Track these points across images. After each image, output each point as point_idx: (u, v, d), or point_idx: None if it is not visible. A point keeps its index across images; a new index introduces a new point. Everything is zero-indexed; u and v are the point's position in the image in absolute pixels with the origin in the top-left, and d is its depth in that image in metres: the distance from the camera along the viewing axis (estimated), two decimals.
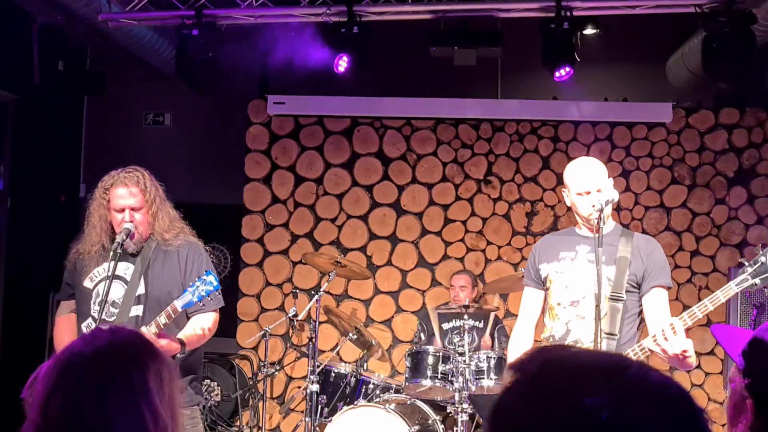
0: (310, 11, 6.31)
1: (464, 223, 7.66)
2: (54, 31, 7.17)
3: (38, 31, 7.11)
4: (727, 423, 1.78)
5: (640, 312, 3.77)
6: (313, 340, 5.96)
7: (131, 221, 3.82)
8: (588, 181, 3.71)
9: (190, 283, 3.69)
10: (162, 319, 3.65)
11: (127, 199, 3.83)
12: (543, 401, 1.03)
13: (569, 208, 7.33)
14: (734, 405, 1.73)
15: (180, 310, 3.66)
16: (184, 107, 8.14)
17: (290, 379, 7.64)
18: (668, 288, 3.77)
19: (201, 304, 3.76)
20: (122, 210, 3.83)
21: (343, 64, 6.33)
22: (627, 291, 3.70)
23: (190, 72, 6.55)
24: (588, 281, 3.66)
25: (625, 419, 0.99)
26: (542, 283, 3.94)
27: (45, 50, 7.23)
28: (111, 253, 3.70)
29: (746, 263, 3.52)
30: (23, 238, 7.20)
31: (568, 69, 6.11)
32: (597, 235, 3.51)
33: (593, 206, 3.59)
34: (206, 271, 3.72)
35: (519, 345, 3.98)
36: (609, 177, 3.78)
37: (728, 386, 1.82)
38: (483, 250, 7.64)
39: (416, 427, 5.32)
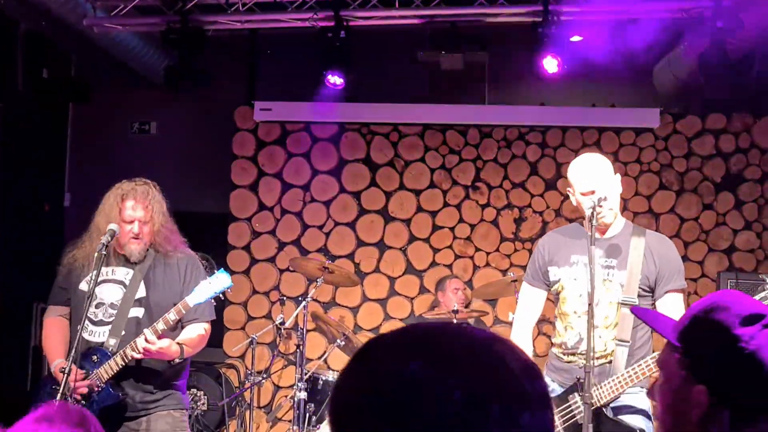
0: (297, 16, 6.29)
1: (452, 229, 7.63)
2: (38, 37, 7.11)
3: (22, 38, 7.05)
4: (661, 412, 1.71)
5: None
6: (301, 347, 5.90)
7: (139, 233, 3.93)
8: (591, 181, 3.65)
9: (200, 281, 3.77)
10: (172, 315, 3.76)
11: (137, 212, 3.94)
12: (366, 374, 1.09)
13: (557, 213, 7.38)
14: (674, 392, 1.67)
15: (191, 306, 3.78)
16: (170, 115, 8.09)
17: (277, 387, 7.57)
18: (683, 290, 3.71)
19: (212, 303, 3.87)
20: (132, 221, 3.93)
21: (333, 79, 6.35)
22: (639, 296, 3.64)
23: (176, 78, 6.50)
24: (600, 287, 3.61)
25: (426, 384, 1.02)
26: (549, 285, 3.88)
27: (29, 57, 7.17)
28: (96, 255, 3.70)
29: (766, 279, 3.44)
30: (7, 248, 7.11)
31: (557, 61, 6.03)
32: (589, 233, 3.48)
33: (589, 198, 3.58)
34: (220, 269, 3.82)
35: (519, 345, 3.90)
36: (615, 173, 3.73)
37: (660, 371, 1.76)
38: (471, 257, 7.61)
39: None
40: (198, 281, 3.91)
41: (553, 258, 3.86)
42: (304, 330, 5.99)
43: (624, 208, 7.40)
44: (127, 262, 3.98)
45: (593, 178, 3.66)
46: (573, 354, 3.75)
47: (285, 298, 7.11)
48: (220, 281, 3.75)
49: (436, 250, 7.65)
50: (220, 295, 3.82)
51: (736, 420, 1.59)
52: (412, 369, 1.04)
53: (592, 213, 3.50)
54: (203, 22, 6.39)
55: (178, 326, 3.95)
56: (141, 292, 3.94)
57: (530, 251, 7.39)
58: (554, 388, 3.79)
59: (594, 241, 3.47)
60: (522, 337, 3.94)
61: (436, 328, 1.13)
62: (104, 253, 3.72)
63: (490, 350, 1.09)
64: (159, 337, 3.70)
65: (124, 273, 3.98)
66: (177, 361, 3.83)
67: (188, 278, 3.98)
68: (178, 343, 3.82)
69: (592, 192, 3.63)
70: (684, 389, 1.63)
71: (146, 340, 3.65)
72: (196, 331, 3.98)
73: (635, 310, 2.00)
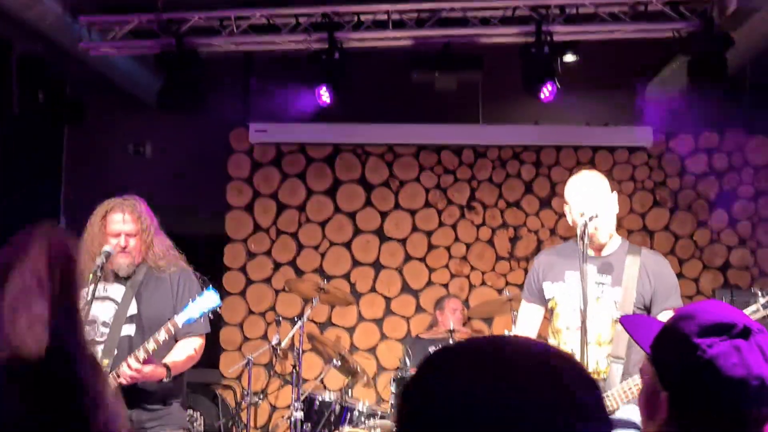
0: (291, 38, 6.32)
1: (448, 249, 7.65)
2: (33, 60, 7.12)
3: (17, 61, 7.07)
4: (642, 419, 1.74)
5: None
6: (297, 368, 5.89)
7: (125, 246, 3.89)
8: (586, 199, 3.66)
9: (191, 299, 3.72)
10: (161, 335, 3.71)
11: (122, 224, 3.90)
12: (424, 386, 1.11)
13: (552, 232, 7.40)
14: (648, 398, 1.70)
15: (180, 326, 3.73)
16: (165, 137, 8.11)
17: (274, 408, 7.55)
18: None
19: (203, 320, 3.82)
20: (118, 234, 3.89)
21: (324, 95, 6.36)
22: (634, 314, 3.63)
23: (172, 101, 6.52)
24: (593, 304, 3.61)
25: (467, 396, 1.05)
26: (545, 301, 3.89)
27: (24, 80, 7.18)
28: (90, 275, 3.69)
29: (759, 293, 3.44)
30: None
31: (551, 87, 6.10)
32: (581, 251, 3.48)
33: (582, 217, 3.57)
34: (208, 287, 3.77)
35: None
36: (612, 191, 3.74)
37: (641, 379, 1.80)
38: (467, 276, 7.61)
39: None
40: (191, 294, 3.89)
41: (547, 274, 3.88)
42: (300, 350, 5.98)
43: (618, 226, 7.40)
44: (119, 278, 3.95)
45: (589, 196, 3.67)
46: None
47: (281, 318, 7.07)
48: (208, 300, 3.72)
49: (431, 270, 7.65)
50: (210, 315, 3.80)
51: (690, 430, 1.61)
52: (467, 381, 1.06)
53: (584, 231, 3.51)
54: (198, 45, 6.42)
55: (172, 339, 3.91)
56: (133, 308, 3.91)
57: (526, 270, 7.40)
58: None
59: (586, 259, 3.48)
60: None
61: (495, 341, 1.17)
62: (99, 275, 3.71)
63: (546, 362, 1.11)
64: (147, 360, 3.68)
65: (116, 290, 3.94)
66: (165, 380, 3.79)
67: (181, 293, 3.95)
68: (164, 364, 3.78)
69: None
70: (655, 397, 1.67)
71: (129, 368, 3.63)
72: (186, 349, 3.94)
73: (623, 320, 2.02)
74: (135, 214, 3.92)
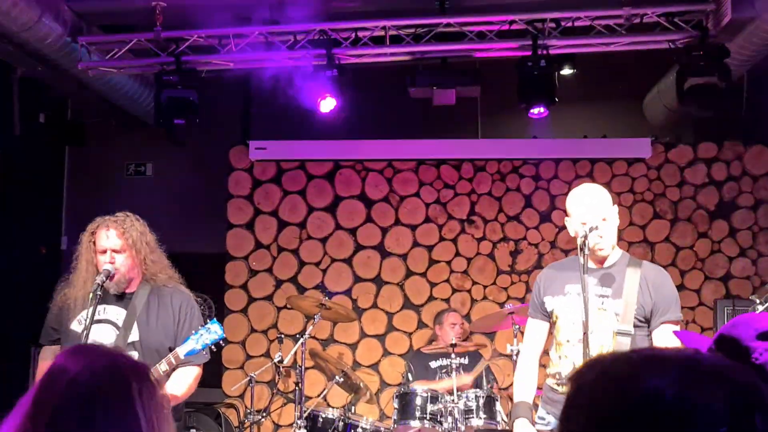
0: (290, 55, 6.34)
1: (449, 263, 7.65)
2: (34, 82, 7.17)
3: (18, 83, 7.12)
4: None
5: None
6: (300, 385, 5.89)
7: (112, 262, 3.83)
8: (590, 209, 3.66)
9: (193, 331, 3.72)
10: (163, 366, 3.69)
11: (107, 240, 3.85)
12: (610, 391, 1.13)
13: (552, 245, 7.40)
14: None
15: (182, 358, 3.70)
16: (166, 156, 8.13)
17: (277, 426, 7.53)
18: (679, 321, 3.70)
19: (204, 353, 3.78)
20: (104, 251, 3.85)
21: (327, 104, 6.33)
22: (635, 326, 3.63)
23: (170, 120, 6.53)
24: (594, 316, 3.61)
25: (688, 398, 1.08)
26: (548, 316, 3.89)
27: (25, 102, 7.23)
28: (90, 295, 3.67)
29: (757, 301, 3.44)
30: (4, 291, 7.12)
31: (542, 109, 6.13)
32: (582, 262, 3.48)
33: (583, 229, 3.58)
34: (212, 320, 3.75)
35: (525, 377, 3.88)
36: (613, 204, 3.75)
37: None
38: (468, 290, 7.61)
39: None
40: (192, 323, 3.87)
41: (548, 289, 3.87)
42: (303, 368, 5.98)
43: (619, 238, 7.40)
44: (119, 300, 3.90)
45: (593, 205, 3.67)
46: (567, 385, 3.74)
47: (283, 336, 7.09)
48: (211, 333, 3.70)
49: (433, 285, 7.65)
50: (213, 347, 3.77)
51: None
52: (671, 384, 1.09)
53: (584, 242, 3.51)
54: (197, 63, 6.45)
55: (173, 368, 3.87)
56: (134, 335, 3.85)
57: (527, 283, 7.42)
58: (550, 421, 3.78)
59: (586, 270, 3.48)
60: (527, 369, 3.92)
61: (689, 353, 1.20)
62: (99, 293, 3.69)
63: (729, 367, 1.16)
64: None
65: (116, 313, 3.89)
66: None
67: (182, 319, 3.91)
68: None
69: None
70: None
71: None
72: (184, 380, 3.89)
73: (678, 334, 2.04)
74: (120, 230, 3.86)
